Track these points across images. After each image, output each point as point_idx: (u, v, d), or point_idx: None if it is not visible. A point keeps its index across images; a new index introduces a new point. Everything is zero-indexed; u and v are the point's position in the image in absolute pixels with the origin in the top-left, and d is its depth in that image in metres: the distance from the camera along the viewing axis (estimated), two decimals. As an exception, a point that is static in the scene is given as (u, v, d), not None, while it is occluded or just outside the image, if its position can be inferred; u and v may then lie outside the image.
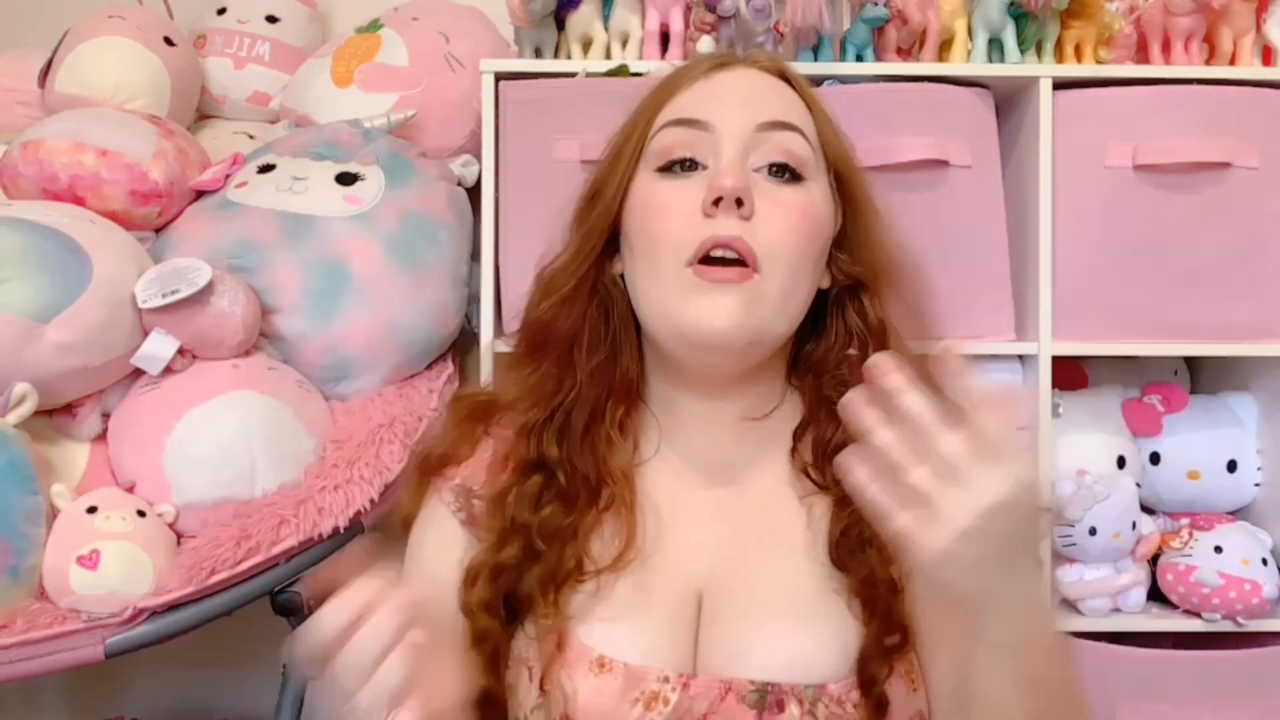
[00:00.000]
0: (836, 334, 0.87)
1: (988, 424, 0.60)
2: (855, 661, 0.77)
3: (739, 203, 0.78)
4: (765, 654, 0.77)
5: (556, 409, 0.86)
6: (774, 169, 0.82)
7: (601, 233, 0.85)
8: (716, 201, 0.79)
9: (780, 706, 0.75)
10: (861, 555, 0.79)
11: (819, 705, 0.75)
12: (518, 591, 0.81)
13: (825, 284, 0.87)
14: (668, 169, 0.83)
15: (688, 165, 0.82)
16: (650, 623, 0.80)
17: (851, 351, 0.86)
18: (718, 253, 0.79)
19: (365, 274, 1.40)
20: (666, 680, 0.77)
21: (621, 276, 0.87)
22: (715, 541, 0.83)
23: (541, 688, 0.78)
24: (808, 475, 0.85)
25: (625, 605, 0.80)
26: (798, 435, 0.87)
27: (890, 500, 0.62)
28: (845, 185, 0.86)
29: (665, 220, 0.81)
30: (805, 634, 0.78)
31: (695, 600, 0.81)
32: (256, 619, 1.33)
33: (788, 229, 0.80)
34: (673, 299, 0.80)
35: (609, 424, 0.86)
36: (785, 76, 0.88)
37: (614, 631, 0.79)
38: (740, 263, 0.79)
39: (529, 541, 0.82)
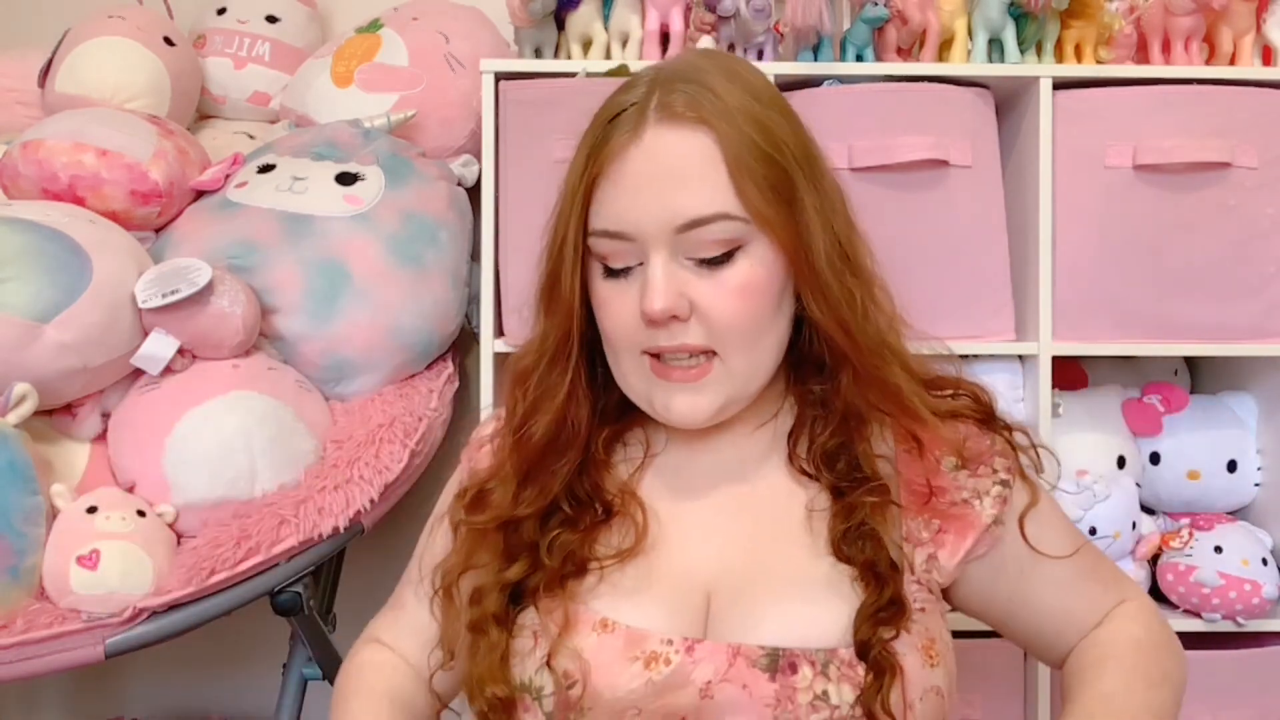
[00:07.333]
0: (812, 337, 0.86)
1: None
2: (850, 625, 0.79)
3: (674, 317, 0.79)
4: (777, 622, 0.79)
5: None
6: (704, 261, 0.80)
7: (571, 318, 0.85)
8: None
9: (793, 669, 0.76)
10: (861, 544, 0.81)
11: (830, 667, 0.76)
12: (523, 586, 0.84)
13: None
14: (606, 269, 0.83)
15: (621, 269, 0.82)
16: (657, 598, 0.81)
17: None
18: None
19: (365, 274, 1.40)
20: (670, 643, 0.78)
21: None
22: (726, 539, 0.85)
23: (548, 663, 0.79)
24: (804, 472, 0.86)
25: (633, 585, 0.82)
26: (792, 437, 0.88)
27: None
28: (780, 239, 0.81)
29: (613, 320, 0.83)
30: (816, 605, 0.80)
31: (704, 594, 0.82)
32: (256, 619, 1.33)
33: (733, 312, 0.80)
34: (640, 384, 0.84)
35: (598, 451, 0.88)
36: (703, 118, 0.79)
37: (620, 602, 0.81)
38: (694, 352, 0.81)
39: (537, 557, 0.84)
